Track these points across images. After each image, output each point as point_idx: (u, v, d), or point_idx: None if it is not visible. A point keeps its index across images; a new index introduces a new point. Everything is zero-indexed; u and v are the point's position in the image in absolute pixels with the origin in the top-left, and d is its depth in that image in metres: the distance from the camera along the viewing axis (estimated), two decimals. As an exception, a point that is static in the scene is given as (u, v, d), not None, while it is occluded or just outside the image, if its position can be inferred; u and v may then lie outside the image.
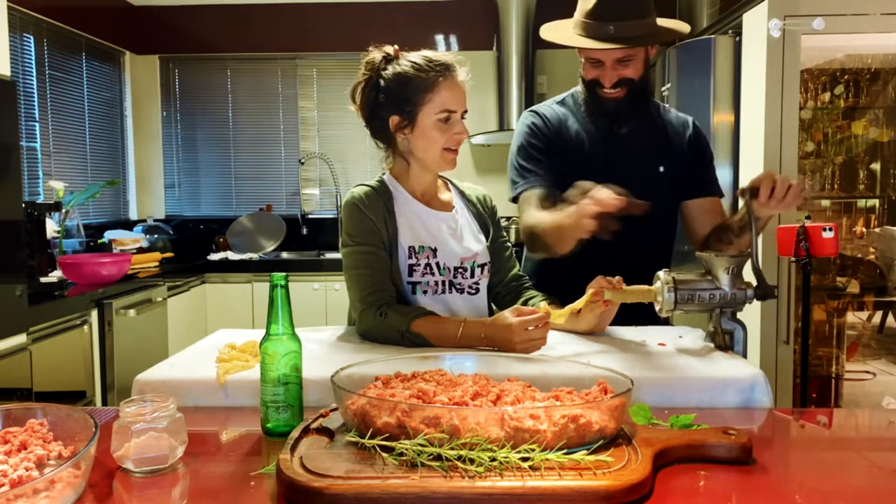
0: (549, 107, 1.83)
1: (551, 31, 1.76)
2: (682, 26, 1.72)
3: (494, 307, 1.71)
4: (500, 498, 0.77)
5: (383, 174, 1.63)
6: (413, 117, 1.50)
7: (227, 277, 4.01)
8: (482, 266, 1.62)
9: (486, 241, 1.66)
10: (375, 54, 1.54)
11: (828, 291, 2.86)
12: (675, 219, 1.85)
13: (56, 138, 3.78)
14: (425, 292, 1.56)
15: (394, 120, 1.52)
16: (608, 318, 1.52)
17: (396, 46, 1.54)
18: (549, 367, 1.18)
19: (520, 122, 1.83)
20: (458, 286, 1.59)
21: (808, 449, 1.09)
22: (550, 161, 1.75)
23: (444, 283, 1.57)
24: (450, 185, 1.72)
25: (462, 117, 1.53)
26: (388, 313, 1.45)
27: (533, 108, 1.85)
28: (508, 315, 1.36)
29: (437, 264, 1.56)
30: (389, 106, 1.52)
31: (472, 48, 4.48)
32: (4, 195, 2.29)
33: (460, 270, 1.59)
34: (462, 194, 1.71)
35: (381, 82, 1.52)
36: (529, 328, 1.33)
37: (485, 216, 1.70)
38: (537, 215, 1.63)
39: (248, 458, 0.97)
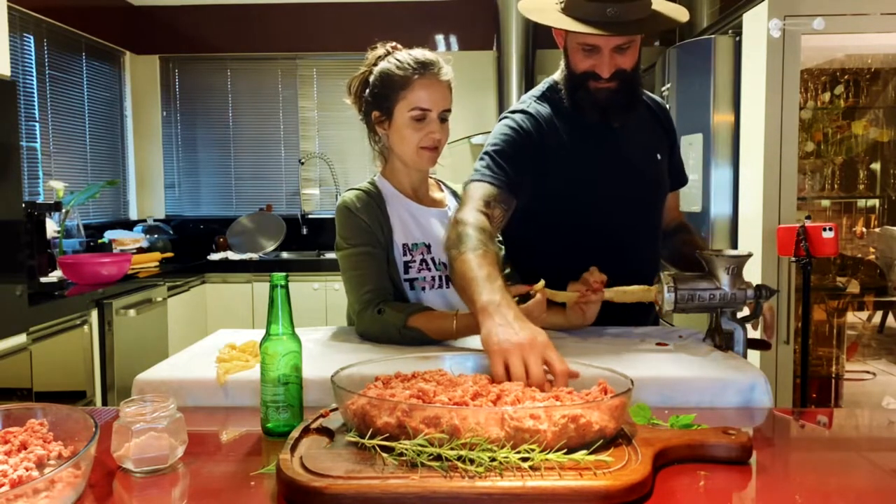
0: (533, 106, 1.61)
1: (537, 11, 1.53)
2: (681, 13, 1.56)
3: None
4: (500, 498, 0.77)
5: (374, 176, 1.65)
6: (390, 113, 1.54)
7: (227, 277, 4.01)
8: None
9: None
10: (380, 50, 1.58)
11: (828, 291, 2.85)
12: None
13: (56, 138, 3.78)
14: (423, 288, 1.56)
15: (375, 115, 1.56)
16: (595, 311, 1.50)
17: (395, 44, 1.57)
18: (549, 367, 1.17)
19: (505, 119, 1.61)
20: (450, 286, 1.59)
21: (808, 449, 1.09)
22: (527, 167, 1.55)
23: (440, 277, 1.58)
24: (442, 186, 1.73)
25: (442, 117, 1.53)
26: (385, 310, 1.46)
27: (519, 107, 1.63)
28: None
29: (433, 259, 1.57)
30: (372, 101, 1.56)
31: (472, 48, 4.48)
32: (4, 195, 2.29)
33: None
34: (455, 194, 1.72)
35: (370, 78, 1.56)
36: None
37: None
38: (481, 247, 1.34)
39: (248, 458, 0.97)
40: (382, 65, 1.53)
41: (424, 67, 1.50)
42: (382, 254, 1.54)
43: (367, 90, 1.56)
